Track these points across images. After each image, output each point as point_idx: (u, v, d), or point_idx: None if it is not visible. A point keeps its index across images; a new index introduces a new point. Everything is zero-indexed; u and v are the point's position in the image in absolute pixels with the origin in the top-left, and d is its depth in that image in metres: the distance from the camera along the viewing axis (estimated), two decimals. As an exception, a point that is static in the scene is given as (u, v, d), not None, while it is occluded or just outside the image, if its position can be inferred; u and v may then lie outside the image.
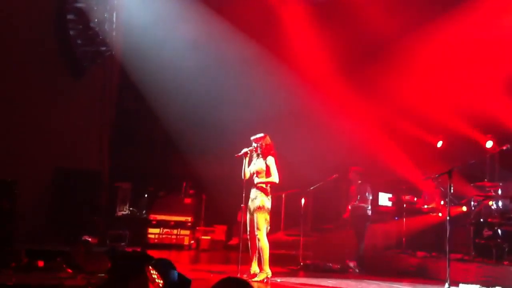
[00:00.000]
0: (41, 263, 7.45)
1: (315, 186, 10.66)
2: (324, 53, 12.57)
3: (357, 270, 10.23)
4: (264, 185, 8.24)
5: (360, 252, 10.60)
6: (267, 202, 8.18)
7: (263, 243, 8.10)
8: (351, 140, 12.39)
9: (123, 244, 10.63)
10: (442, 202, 10.88)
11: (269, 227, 8.21)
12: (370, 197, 10.69)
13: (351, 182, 10.91)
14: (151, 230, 11.75)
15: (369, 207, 10.63)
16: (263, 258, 8.13)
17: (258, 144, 8.37)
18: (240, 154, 8.35)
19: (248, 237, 8.28)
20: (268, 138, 8.43)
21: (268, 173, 8.28)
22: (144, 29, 11.91)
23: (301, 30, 12.88)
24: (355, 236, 10.81)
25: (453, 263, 8.21)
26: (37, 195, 10.50)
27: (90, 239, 9.84)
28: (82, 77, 11.41)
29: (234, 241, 11.84)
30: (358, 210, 10.67)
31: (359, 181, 10.74)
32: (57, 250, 7.98)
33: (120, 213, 12.01)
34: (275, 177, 8.24)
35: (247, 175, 8.32)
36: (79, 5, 10.99)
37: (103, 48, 11.44)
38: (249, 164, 8.35)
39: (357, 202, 10.63)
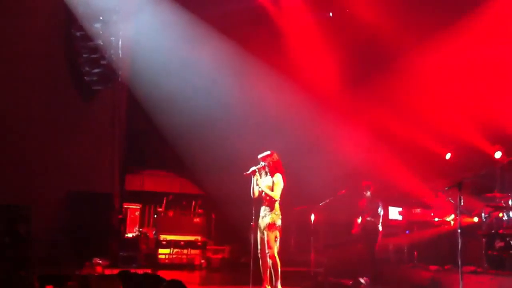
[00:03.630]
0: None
1: (324, 202, 10.64)
2: (332, 66, 12.63)
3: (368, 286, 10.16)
4: (270, 199, 8.23)
5: (372, 268, 10.53)
6: (277, 219, 8.17)
7: (275, 261, 8.08)
8: (359, 154, 12.38)
9: (134, 265, 10.64)
10: (452, 215, 10.82)
11: (279, 247, 8.18)
12: (382, 213, 10.64)
13: (361, 196, 10.87)
14: (161, 251, 11.74)
15: (380, 223, 10.58)
16: (275, 276, 8.11)
17: (266, 162, 8.39)
18: (248, 172, 8.37)
19: (259, 255, 8.26)
20: (275, 155, 8.45)
21: (272, 189, 8.29)
22: (150, 51, 12.03)
23: (308, 43, 12.96)
24: (365, 251, 10.75)
25: (466, 276, 8.15)
26: (50, 219, 10.54)
27: (101, 262, 9.87)
28: (92, 102, 11.49)
29: (245, 260, 11.81)
30: (369, 225, 10.62)
31: (369, 196, 10.70)
32: (69, 274, 7.98)
33: (130, 235, 12.02)
34: (276, 195, 8.22)
35: (256, 194, 8.33)
36: (85, 31, 11.08)
37: (109, 72, 11.53)
38: (257, 183, 8.36)
39: (369, 217, 10.58)
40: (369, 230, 10.62)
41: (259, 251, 8.26)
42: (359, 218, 10.75)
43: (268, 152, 8.43)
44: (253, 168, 8.37)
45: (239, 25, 12.60)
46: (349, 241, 11.76)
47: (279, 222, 8.18)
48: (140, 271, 6.29)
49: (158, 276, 5.89)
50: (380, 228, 10.57)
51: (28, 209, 9.47)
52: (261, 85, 12.70)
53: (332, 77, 12.73)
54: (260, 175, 8.44)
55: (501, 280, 8.63)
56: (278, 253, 8.14)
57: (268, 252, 8.10)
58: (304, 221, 11.42)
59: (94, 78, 11.33)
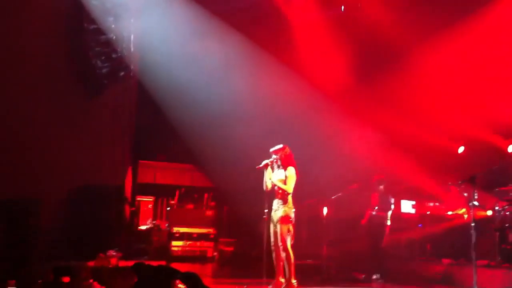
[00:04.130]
0: (67, 279, 7.52)
1: (336, 195, 10.65)
2: (342, 62, 12.60)
3: (380, 280, 10.16)
4: (282, 193, 8.24)
5: (376, 262, 10.53)
6: (290, 212, 8.19)
7: (288, 254, 8.10)
8: (370, 149, 12.35)
9: (146, 257, 10.70)
10: (465, 209, 10.79)
11: (292, 241, 8.20)
12: (392, 207, 10.64)
13: (373, 190, 10.86)
14: (174, 243, 11.78)
15: (389, 217, 10.57)
16: (288, 269, 8.13)
17: (278, 156, 8.41)
18: (260, 166, 8.40)
19: (272, 248, 8.29)
20: (287, 149, 8.47)
21: (285, 182, 8.30)
22: (161, 45, 12.03)
23: (319, 39, 12.93)
24: (370, 244, 10.77)
25: (479, 270, 8.11)
26: (61, 213, 10.60)
27: (114, 254, 9.91)
28: (103, 95, 11.53)
29: (258, 253, 11.84)
30: (377, 219, 10.63)
31: (382, 190, 10.69)
32: (83, 266, 8.04)
33: (143, 227, 12.08)
34: (289, 188, 8.25)
35: (269, 187, 8.36)
36: (96, 25, 11.11)
37: (121, 66, 11.58)
38: (270, 176, 8.38)
39: (375, 212, 10.59)
40: (375, 224, 10.63)
41: (272, 244, 8.28)
42: (371, 211, 10.76)
43: (280, 146, 8.46)
44: (266, 161, 8.40)
45: (249, 20, 12.59)
46: (360, 235, 11.77)
47: (292, 215, 8.20)
48: (155, 263, 6.30)
49: (173, 268, 5.90)
50: (389, 223, 10.57)
51: (37, 203, 9.51)
52: (271, 79, 12.68)
53: (342, 72, 12.70)
54: (272, 168, 8.47)
55: (515, 274, 8.61)
56: (292, 247, 8.17)
57: (281, 245, 8.13)
58: (316, 214, 11.45)
59: (105, 71, 11.38)
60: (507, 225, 9.52)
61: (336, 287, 9.15)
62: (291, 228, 8.18)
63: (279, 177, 8.36)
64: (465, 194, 10.70)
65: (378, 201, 10.76)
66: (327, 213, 10.59)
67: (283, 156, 8.40)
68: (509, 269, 8.87)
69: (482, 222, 9.81)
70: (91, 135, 11.29)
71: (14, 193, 9.45)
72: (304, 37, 12.87)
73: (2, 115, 9.83)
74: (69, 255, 9.29)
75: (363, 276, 10.41)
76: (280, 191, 8.28)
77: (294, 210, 8.25)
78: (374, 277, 10.30)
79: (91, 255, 9.56)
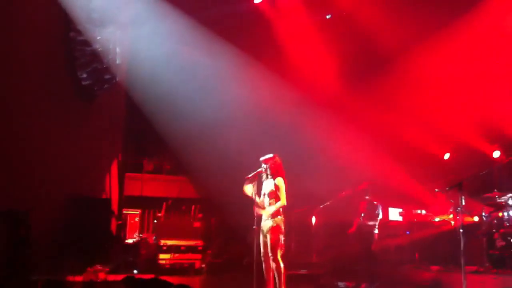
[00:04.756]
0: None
1: (325, 204, 10.64)
2: (331, 68, 12.64)
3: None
4: (272, 203, 8.22)
5: (367, 269, 10.54)
6: (280, 223, 8.15)
7: (278, 265, 8.06)
8: (358, 156, 12.38)
9: (134, 271, 10.59)
10: (452, 215, 10.84)
11: (283, 251, 8.15)
12: (380, 215, 10.66)
13: (361, 198, 10.88)
14: (161, 256, 11.68)
15: (377, 225, 10.59)
16: (278, 280, 8.08)
17: (268, 165, 8.39)
18: (250, 176, 8.37)
19: (262, 259, 8.23)
20: (277, 158, 8.45)
21: (276, 195, 8.26)
22: (148, 55, 12.00)
23: (307, 46, 12.96)
24: (359, 253, 10.77)
25: (468, 276, 8.12)
26: (49, 225, 10.47)
27: (101, 268, 9.80)
28: (90, 106, 11.46)
29: (247, 264, 11.78)
30: (364, 227, 10.65)
31: (368, 198, 10.72)
32: (74, 281, 7.95)
33: (130, 240, 11.96)
34: (283, 200, 8.22)
35: (259, 199, 8.34)
36: (83, 35, 11.08)
37: (108, 77, 11.53)
38: (258, 188, 8.35)
39: (361, 219, 10.60)
40: (364, 232, 10.64)
41: (262, 254, 8.23)
42: (358, 219, 10.78)
43: (270, 155, 8.44)
44: (255, 171, 8.38)
45: (237, 29, 12.61)
46: (350, 243, 11.77)
47: (282, 226, 8.17)
48: (144, 277, 6.24)
49: (166, 281, 5.85)
50: (377, 231, 10.58)
51: (26, 214, 9.41)
52: (260, 88, 12.69)
53: (331, 79, 12.74)
54: (261, 177, 8.45)
55: (504, 279, 8.64)
56: (282, 257, 8.12)
57: (271, 256, 8.08)
58: (305, 223, 11.43)
59: (90, 82, 11.33)
60: (494, 230, 9.59)
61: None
62: (281, 238, 8.14)
63: (269, 186, 8.34)
64: (452, 201, 10.75)
65: (365, 209, 10.78)
66: (316, 222, 10.56)
67: (272, 165, 8.38)
68: (497, 275, 8.92)
69: (470, 228, 9.90)
70: (79, 147, 11.21)
71: (2, 203, 9.36)
72: (294, 43, 12.90)
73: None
74: (57, 268, 9.19)
75: (353, 284, 10.38)
76: (273, 201, 8.23)
77: (284, 220, 8.22)
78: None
79: (78, 269, 9.44)
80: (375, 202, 10.74)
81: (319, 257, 11.15)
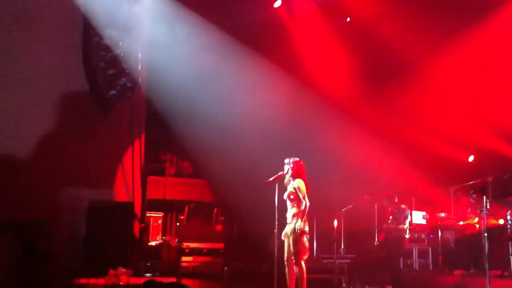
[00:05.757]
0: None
1: (346, 208, 10.58)
2: (347, 73, 12.60)
3: None
4: (297, 206, 8.19)
5: (395, 275, 10.42)
6: (304, 225, 8.13)
7: (301, 268, 8.03)
8: (381, 160, 12.31)
9: (157, 273, 10.64)
10: (477, 219, 10.70)
11: (306, 254, 8.13)
12: (409, 219, 10.56)
13: (388, 204, 10.78)
14: (184, 259, 11.74)
15: (407, 229, 10.49)
16: (300, 284, 8.06)
17: (290, 167, 8.39)
18: (270, 179, 8.37)
19: (286, 263, 8.22)
20: (299, 161, 8.45)
21: (296, 196, 8.24)
22: (168, 61, 12.07)
23: (320, 51, 12.94)
24: (389, 258, 10.66)
25: (493, 280, 8.04)
26: (71, 231, 10.59)
27: (124, 271, 9.87)
28: (111, 113, 11.55)
29: (268, 268, 11.77)
30: (395, 232, 10.55)
31: (396, 203, 10.62)
32: (96, 283, 8.03)
33: (153, 243, 12.05)
34: (306, 202, 8.20)
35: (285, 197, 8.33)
36: (105, 41, 11.20)
37: (129, 84, 11.63)
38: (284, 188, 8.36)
39: (394, 224, 10.49)
40: (393, 237, 10.54)
41: (285, 258, 8.20)
42: (386, 225, 10.68)
43: (296, 159, 8.44)
44: (276, 175, 8.38)
45: (255, 35, 12.64)
46: (372, 248, 11.69)
47: (306, 228, 8.14)
48: (166, 280, 6.27)
49: (184, 284, 5.88)
50: (408, 235, 10.47)
51: (47, 222, 9.48)
52: (280, 92, 12.70)
53: (348, 84, 12.69)
54: (283, 180, 8.45)
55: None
56: (305, 261, 8.09)
57: (294, 259, 8.06)
58: (326, 227, 11.38)
59: (113, 92, 11.44)
60: (519, 234, 9.45)
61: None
62: (306, 241, 8.11)
63: (290, 189, 8.34)
64: (477, 204, 10.61)
65: (393, 215, 10.70)
66: (337, 226, 10.51)
67: (294, 167, 8.38)
68: (523, 279, 8.79)
69: (494, 232, 9.76)
70: (101, 152, 11.31)
71: (24, 213, 9.46)
72: (311, 49, 12.88)
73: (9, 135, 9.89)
74: (80, 272, 9.28)
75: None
76: (295, 204, 8.22)
77: (307, 223, 8.20)
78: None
79: (101, 272, 9.51)
80: (403, 206, 10.62)
81: (340, 261, 11.07)
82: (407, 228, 10.37)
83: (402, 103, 12.12)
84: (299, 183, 8.28)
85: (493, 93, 11.41)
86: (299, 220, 8.11)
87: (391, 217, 10.49)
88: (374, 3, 12.11)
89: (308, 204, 8.18)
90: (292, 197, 8.26)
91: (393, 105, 12.38)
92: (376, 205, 11.56)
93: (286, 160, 8.45)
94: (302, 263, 8.05)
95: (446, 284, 9.98)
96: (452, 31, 11.76)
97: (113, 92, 11.36)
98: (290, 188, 8.34)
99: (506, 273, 9.22)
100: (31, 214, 9.46)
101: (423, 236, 11.78)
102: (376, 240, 10.96)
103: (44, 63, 10.63)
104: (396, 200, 10.57)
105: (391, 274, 10.40)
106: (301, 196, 8.19)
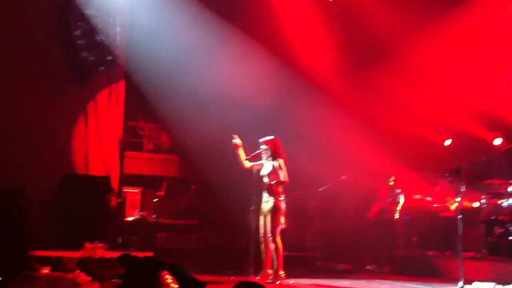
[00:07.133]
0: (51, 270, 7.43)
1: (324, 188, 10.64)
2: (329, 53, 12.55)
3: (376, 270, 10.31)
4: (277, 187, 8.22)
5: (382, 253, 10.67)
6: (281, 203, 8.16)
7: (277, 246, 8.08)
8: (359, 140, 12.33)
9: (132, 248, 10.60)
10: (452, 201, 10.84)
11: (284, 226, 8.18)
12: (402, 201, 10.81)
13: (381, 183, 11.00)
14: (160, 235, 11.71)
15: (398, 211, 10.74)
16: (276, 261, 8.11)
17: (268, 146, 8.38)
18: (248, 157, 8.38)
19: (261, 239, 8.26)
20: (277, 140, 8.44)
21: (276, 175, 8.25)
22: (147, 35, 11.91)
23: (302, 31, 12.84)
24: (377, 237, 10.85)
25: (465, 262, 8.14)
26: (46, 202, 10.50)
27: (100, 245, 9.81)
28: (89, 84, 11.45)
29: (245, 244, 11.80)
30: (386, 213, 10.77)
31: (391, 185, 10.83)
32: (69, 256, 7.98)
33: (130, 218, 11.99)
34: (286, 177, 8.21)
35: (247, 165, 8.33)
36: (83, 12, 11.03)
37: (108, 56, 11.52)
38: (259, 165, 8.35)
39: (389, 205, 10.74)
40: (386, 218, 10.76)
41: (261, 235, 8.25)
42: (378, 204, 10.89)
43: (271, 137, 8.43)
44: (254, 153, 8.39)
45: (236, 9, 12.49)
46: (347, 228, 11.84)
47: (283, 206, 8.17)
48: (141, 254, 6.23)
49: (159, 259, 5.84)
50: (397, 216, 10.72)
51: (21, 190, 9.38)
52: (259, 69, 12.60)
53: (330, 63, 12.65)
54: (261, 159, 8.46)
55: (500, 266, 8.67)
56: (280, 238, 8.14)
57: (270, 236, 8.10)
58: (302, 206, 11.44)
59: (91, 59, 11.31)
60: (493, 217, 9.58)
61: (323, 278, 9.14)
62: (282, 219, 8.15)
63: (268, 168, 8.33)
64: (451, 187, 10.74)
65: (387, 194, 10.90)
66: (312, 205, 10.56)
67: (272, 147, 8.37)
68: (494, 261, 8.93)
69: (469, 214, 9.89)
70: (77, 125, 11.20)
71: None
72: (292, 26, 12.77)
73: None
74: (54, 245, 9.20)
75: (350, 267, 10.47)
76: (273, 182, 8.22)
77: (285, 201, 8.23)
78: (368, 267, 10.46)
79: (77, 245, 9.44)
80: (398, 190, 10.87)
81: (314, 240, 11.19)
82: (398, 210, 10.61)
83: (384, 85, 12.13)
84: (282, 162, 8.28)
85: (471, 78, 11.49)
86: (278, 197, 8.13)
87: (386, 201, 10.72)
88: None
89: (287, 180, 8.20)
90: (272, 175, 8.26)
91: (374, 87, 12.38)
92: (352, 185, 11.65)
93: (262, 140, 8.43)
94: (279, 240, 8.10)
95: (419, 264, 10.13)
96: (437, 13, 11.77)
97: (92, 58, 11.24)
98: (269, 167, 8.34)
99: (479, 255, 9.37)
100: (4, 183, 9.38)
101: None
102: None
103: (20, 34, 10.44)
104: (392, 183, 10.79)
105: (383, 254, 10.64)
106: (282, 175, 8.20)
